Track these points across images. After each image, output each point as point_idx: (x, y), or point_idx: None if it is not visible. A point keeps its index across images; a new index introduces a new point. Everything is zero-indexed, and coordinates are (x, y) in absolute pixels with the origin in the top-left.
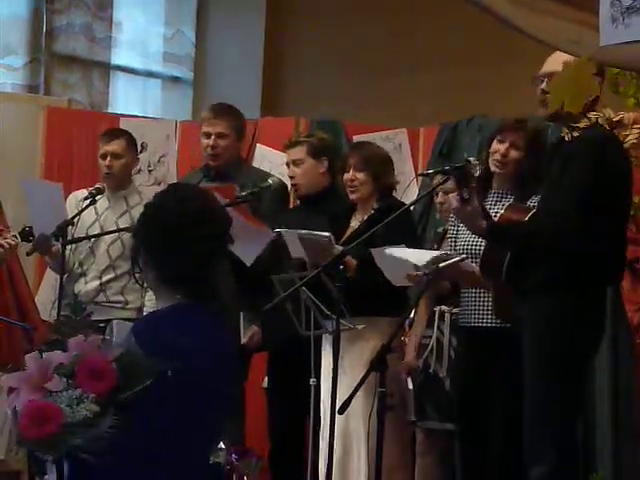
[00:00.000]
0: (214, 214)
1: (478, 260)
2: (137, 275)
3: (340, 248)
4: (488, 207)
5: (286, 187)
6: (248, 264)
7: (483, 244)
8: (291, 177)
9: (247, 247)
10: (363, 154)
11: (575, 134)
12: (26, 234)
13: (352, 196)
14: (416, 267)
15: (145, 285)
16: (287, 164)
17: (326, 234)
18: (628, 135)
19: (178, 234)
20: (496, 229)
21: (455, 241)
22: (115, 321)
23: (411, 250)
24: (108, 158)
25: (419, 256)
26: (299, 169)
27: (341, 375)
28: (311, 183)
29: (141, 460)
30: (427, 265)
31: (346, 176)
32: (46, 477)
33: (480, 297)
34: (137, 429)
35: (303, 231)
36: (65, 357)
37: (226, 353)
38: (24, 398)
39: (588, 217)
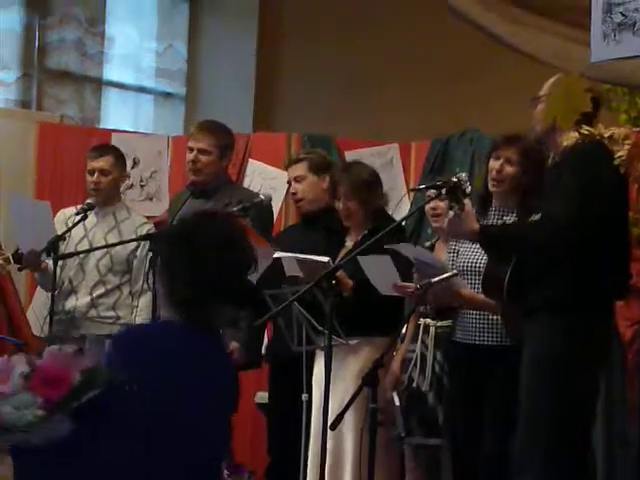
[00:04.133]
0: (234, 247)
1: (479, 277)
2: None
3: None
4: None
5: (271, 205)
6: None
7: (484, 261)
8: (293, 194)
9: None
10: (351, 182)
11: (567, 144)
12: (19, 256)
13: (346, 223)
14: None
15: (135, 302)
16: (288, 182)
17: (325, 259)
18: (619, 151)
19: (188, 261)
20: (488, 227)
21: (455, 257)
22: (107, 341)
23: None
24: (95, 174)
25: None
26: (301, 185)
27: (334, 390)
28: (313, 199)
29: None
30: None
31: (337, 204)
32: None
33: (478, 314)
34: (96, 438)
35: (301, 256)
36: (31, 363)
37: (216, 381)
38: None
39: (583, 222)
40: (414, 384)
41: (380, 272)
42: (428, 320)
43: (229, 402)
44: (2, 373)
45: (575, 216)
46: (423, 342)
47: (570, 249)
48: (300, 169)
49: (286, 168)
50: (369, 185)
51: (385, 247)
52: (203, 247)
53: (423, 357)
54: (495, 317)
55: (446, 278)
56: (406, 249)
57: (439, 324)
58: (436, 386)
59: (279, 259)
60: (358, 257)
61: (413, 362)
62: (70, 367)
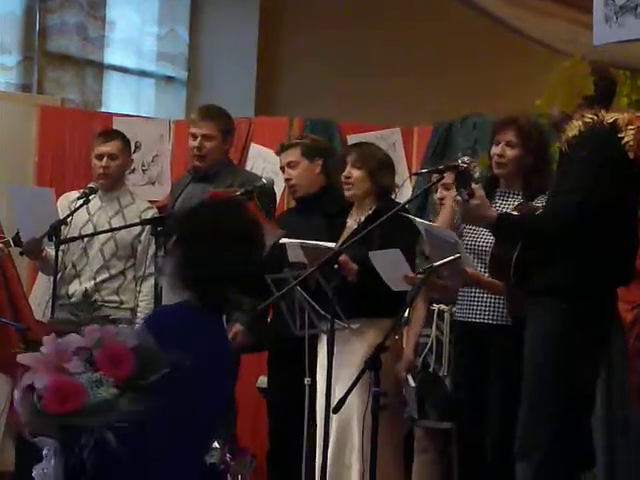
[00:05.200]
0: (250, 239)
1: (484, 258)
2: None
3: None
4: (494, 206)
5: (273, 189)
6: None
7: (489, 242)
8: (287, 179)
9: None
10: (361, 152)
11: (572, 134)
12: (19, 239)
13: (347, 193)
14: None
15: (139, 287)
16: (281, 168)
17: (331, 244)
18: (623, 137)
19: (206, 246)
20: (505, 216)
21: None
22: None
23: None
24: (105, 159)
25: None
26: (294, 171)
27: (339, 374)
28: (307, 184)
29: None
30: None
31: (342, 173)
32: (39, 466)
33: (478, 293)
34: (166, 416)
35: (308, 242)
36: (83, 341)
37: (221, 354)
38: (44, 377)
39: (592, 209)
40: (430, 369)
41: (391, 266)
42: (442, 306)
43: (231, 373)
44: (62, 352)
45: (589, 208)
46: (438, 327)
47: (584, 240)
48: (293, 155)
49: (278, 154)
50: (380, 161)
51: (398, 214)
52: (224, 231)
53: (439, 342)
54: (497, 296)
55: (449, 261)
56: (419, 222)
57: (454, 309)
58: (453, 371)
59: (282, 244)
60: (370, 253)
61: (428, 347)
62: (125, 346)
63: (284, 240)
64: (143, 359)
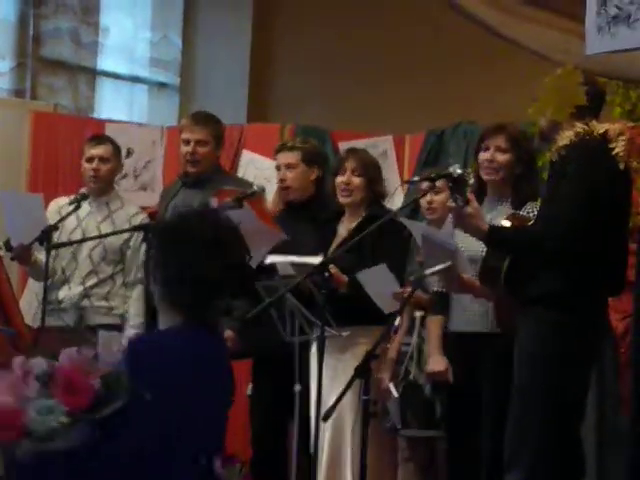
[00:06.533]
0: (231, 248)
1: (475, 266)
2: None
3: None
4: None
5: (265, 196)
6: (254, 265)
7: (481, 250)
8: (282, 180)
9: (255, 247)
10: (360, 160)
11: (563, 144)
12: (10, 245)
13: (345, 200)
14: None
15: (128, 293)
16: (278, 167)
17: (318, 260)
18: (614, 148)
19: (187, 260)
20: (497, 229)
21: None
22: (101, 332)
23: None
24: (95, 161)
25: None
26: (291, 173)
27: (335, 382)
28: (300, 189)
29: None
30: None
31: (340, 179)
32: None
33: (468, 303)
34: (114, 448)
35: (295, 259)
36: (50, 366)
37: (219, 377)
38: None
39: (585, 221)
40: (411, 376)
41: (379, 284)
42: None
43: (228, 396)
44: (22, 375)
45: (581, 222)
46: (419, 335)
47: (576, 251)
48: (293, 157)
49: (277, 152)
50: (376, 169)
51: (394, 220)
52: (191, 247)
53: (420, 350)
54: (488, 305)
55: (441, 270)
56: (415, 226)
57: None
58: (433, 379)
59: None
60: (358, 274)
61: (409, 354)
62: (90, 373)
63: (273, 259)
64: (109, 389)
